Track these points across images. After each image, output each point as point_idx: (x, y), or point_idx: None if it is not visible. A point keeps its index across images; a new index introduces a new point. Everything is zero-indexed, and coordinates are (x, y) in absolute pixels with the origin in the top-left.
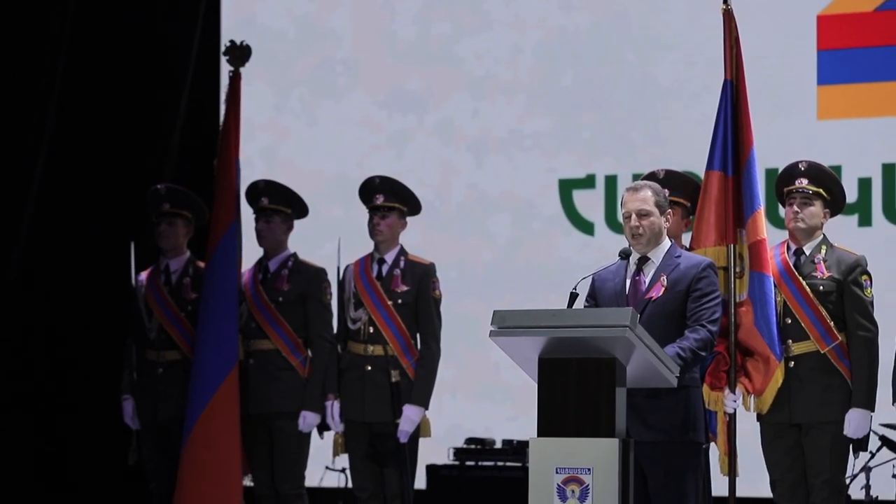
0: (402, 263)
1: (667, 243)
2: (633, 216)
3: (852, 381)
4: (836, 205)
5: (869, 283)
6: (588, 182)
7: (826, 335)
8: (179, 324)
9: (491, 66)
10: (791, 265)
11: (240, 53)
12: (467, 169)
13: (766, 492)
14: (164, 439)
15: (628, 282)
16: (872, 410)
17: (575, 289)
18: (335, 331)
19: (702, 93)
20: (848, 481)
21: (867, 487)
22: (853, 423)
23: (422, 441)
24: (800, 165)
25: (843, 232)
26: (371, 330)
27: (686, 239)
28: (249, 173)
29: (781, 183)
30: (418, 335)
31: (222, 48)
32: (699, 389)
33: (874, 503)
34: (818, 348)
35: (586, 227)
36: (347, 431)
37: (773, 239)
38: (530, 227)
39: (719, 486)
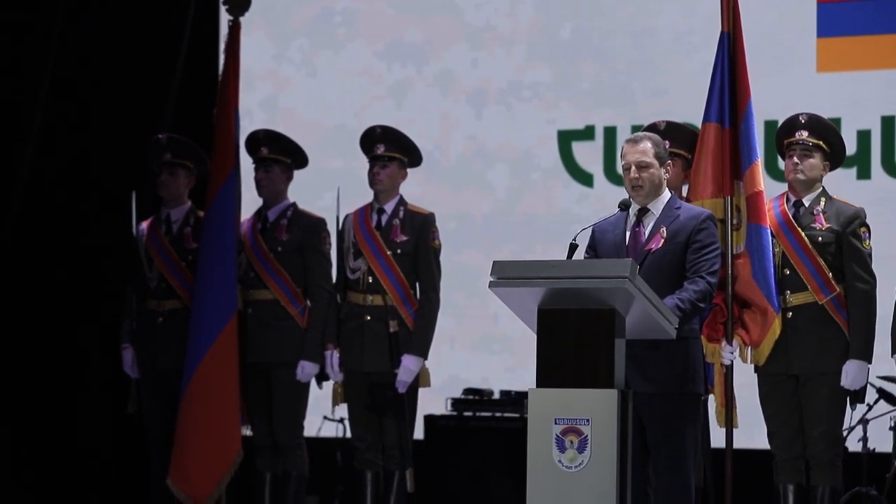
0: (401, 213)
1: (667, 195)
2: (633, 168)
3: (850, 332)
4: (835, 157)
5: (867, 235)
6: (587, 133)
7: (824, 286)
8: (180, 273)
9: (490, 17)
10: (790, 216)
11: (239, 2)
12: (466, 120)
13: (763, 443)
14: (164, 388)
15: (628, 233)
16: (870, 362)
17: (574, 240)
18: (334, 281)
19: (702, 44)
20: (845, 433)
21: (864, 440)
22: (850, 374)
23: (420, 391)
24: (800, 118)
25: (842, 184)
26: (370, 280)
27: (686, 191)
28: (248, 124)
29: (781, 135)
30: (417, 285)
31: None
32: (699, 341)
33: (871, 455)
34: (816, 299)
35: (585, 179)
36: (346, 381)
37: (773, 191)
38: (529, 179)
39: (717, 438)
